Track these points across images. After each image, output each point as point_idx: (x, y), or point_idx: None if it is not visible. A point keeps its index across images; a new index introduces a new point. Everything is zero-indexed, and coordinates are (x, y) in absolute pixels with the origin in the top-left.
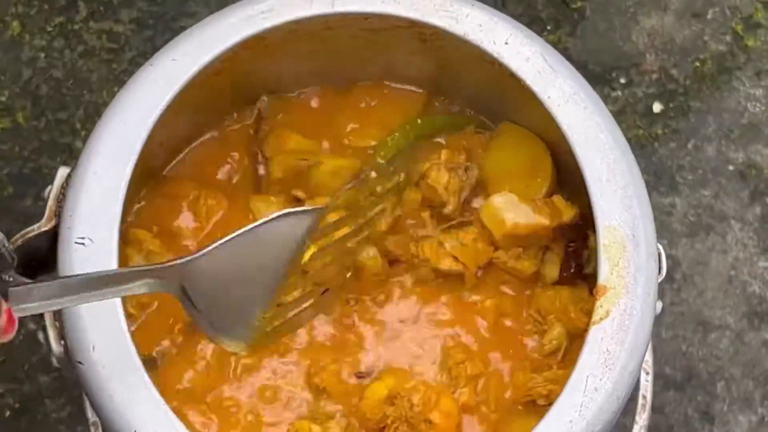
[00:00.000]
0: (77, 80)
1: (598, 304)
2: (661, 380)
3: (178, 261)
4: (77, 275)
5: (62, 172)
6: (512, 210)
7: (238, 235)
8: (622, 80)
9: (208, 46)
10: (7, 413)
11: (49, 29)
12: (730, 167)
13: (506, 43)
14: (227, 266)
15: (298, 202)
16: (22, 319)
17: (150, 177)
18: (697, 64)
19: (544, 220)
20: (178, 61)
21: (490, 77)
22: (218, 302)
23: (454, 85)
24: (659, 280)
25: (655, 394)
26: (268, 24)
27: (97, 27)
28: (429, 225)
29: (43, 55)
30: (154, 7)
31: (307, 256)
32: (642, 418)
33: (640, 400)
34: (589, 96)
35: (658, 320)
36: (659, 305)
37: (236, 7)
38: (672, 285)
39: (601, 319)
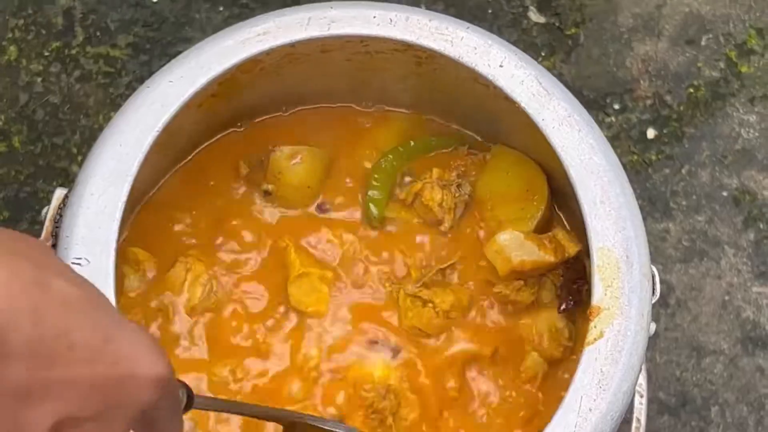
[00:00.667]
0: (74, 105)
1: (592, 324)
2: (655, 405)
3: None
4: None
5: (59, 193)
6: (518, 248)
7: None
8: (616, 106)
9: (205, 68)
10: None
11: (46, 54)
12: (724, 193)
13: (501, 66)
14: None
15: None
16: None
17: (144, 195)
18: (691, 90)
19: (549, 257)
20: (175, 83)
21: (485, 100)
22: None
23: (449, 108)
24: (653, 301)
25: (649, 418)
26: (264, 47)
27: (94, 52)
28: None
29: (39, 79)
30: (150, 32)
31: None
32: None
33: (635, 423)
34: (583, 118)
35: (652, 345)
36: (653, 326)
37: (232, 30)
38: (666, 310)
39: (596, 339)
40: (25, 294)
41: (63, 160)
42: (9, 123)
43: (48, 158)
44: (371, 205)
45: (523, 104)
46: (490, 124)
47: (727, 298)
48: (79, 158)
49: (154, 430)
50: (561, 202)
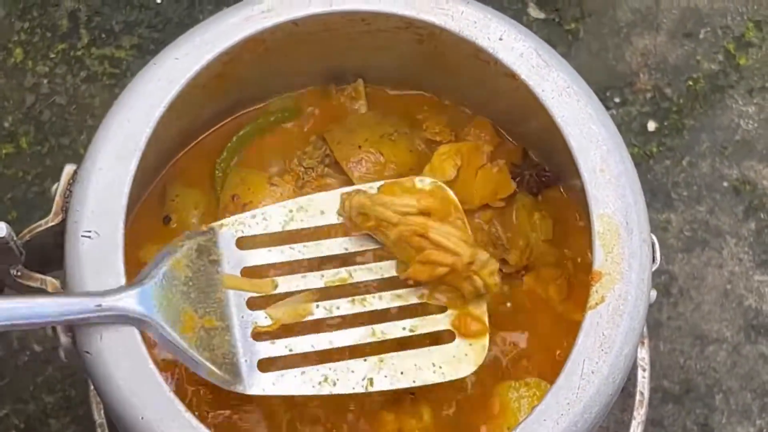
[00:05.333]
0: (80, 105)
1: (593, 289)
2: (659, 393)
3: None
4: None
5: (68, 168)
6: None
7: None
8: (617, 99)
9: (210, 45)
10: None
11: (52, 56)
12: (725, 183)
13: (500, 39)
14: None
15: None
16: (27, 342)
17: (162, 167)
18: (690, 82)
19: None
20: (181, 60)
21: (485, 77)
22: None
23: (449, 85)
24: (653, 269)
25: (653, 407)
26: (268, 23)
27: (99, 53)
28: None
29: (45, 81)
30: (154, 33)
31: None
32: (640, 414)
33: (638, 396)
34: (582, 89)
35: (655, 334)
36: (653, 294)
37: (236, 8)
38: (669, 299)
39: (597, 304)
40: None
41: (70, 160)
42: (16, 124)
43: (55, 158)
44: None
45: (523, 76)
46: (489, 102)
47: (729, 286)
48: None
49: None
50: (561, 170)
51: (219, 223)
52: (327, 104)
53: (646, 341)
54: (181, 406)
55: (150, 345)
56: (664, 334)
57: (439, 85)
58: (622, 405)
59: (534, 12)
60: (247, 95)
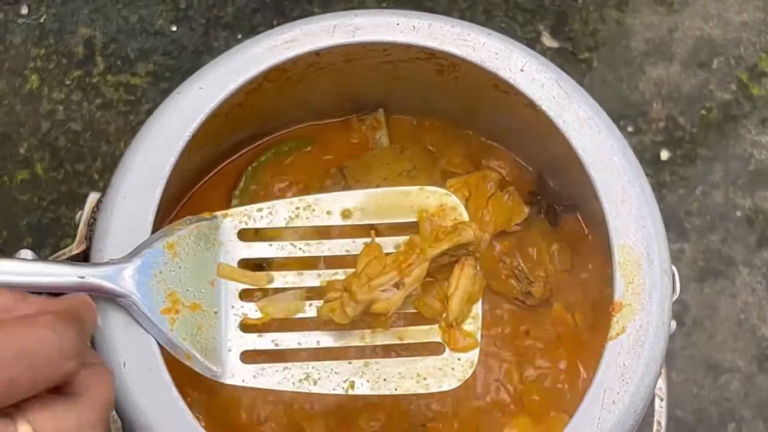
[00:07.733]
0: (95, 132)
1: (614, 320)
2: (672, 423)
3: None
4: None
5: (93, 197)
6: None
7: None
8: (630, 129)
9: (234, 74)
10: None
11: (68, 82)
12: (738, 213)
13: (522, 70)
14: None
15: None
16: None
17: (184, 195)
18: (704, 112)
19: None
20: (205, 89)
21: (504, 107)
22: None
23: (469, 115)
24: (673, 299)
25: None
26: (291, 53)
27: (114, 80)
28: None
29: (61, 107)
30: (169, 60)
31: None
32: None
33: (656, 426)
34: (602, 120)
35: (668, 364)
36: (673, 324)
37: (260, 38)
38: (682, 329)
39: (618, 334)
40: None
41: (85, 186)
42: (32, 150)
43: (70, 185)
44: None
45: (544, 107)
46: (508, 132)
47: (742, 316)
48: (101, 184)
49: None
50: (581, 201)
51: (224, 212)
52: (347, 134)
53: (663, 371)
54: None
55: (173, 371)
56: (677, 363)
57: (458, 115)
58: None
59: (548, 41)
60: (268, 124)
